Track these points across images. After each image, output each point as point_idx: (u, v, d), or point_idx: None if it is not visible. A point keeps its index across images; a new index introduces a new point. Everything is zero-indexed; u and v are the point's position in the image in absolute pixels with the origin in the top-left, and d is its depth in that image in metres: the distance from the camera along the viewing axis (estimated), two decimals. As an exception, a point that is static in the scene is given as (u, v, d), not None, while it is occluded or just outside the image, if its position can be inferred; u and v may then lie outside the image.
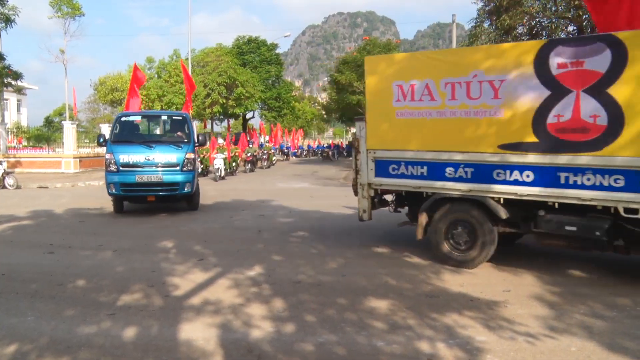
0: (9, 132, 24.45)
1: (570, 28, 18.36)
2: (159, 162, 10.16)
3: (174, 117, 12.06)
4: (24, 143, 26.68)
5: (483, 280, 5.68)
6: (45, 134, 28.41)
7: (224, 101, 32.91)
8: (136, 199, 10.87)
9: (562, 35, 18.46)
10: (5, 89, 23.39)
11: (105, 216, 10.20)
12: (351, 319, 4.42)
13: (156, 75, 27.49)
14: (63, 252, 6.90)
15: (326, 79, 34.11)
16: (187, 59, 30.58)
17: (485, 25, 19.30)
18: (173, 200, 11.00)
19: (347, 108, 29.73)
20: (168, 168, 10.16)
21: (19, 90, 36.59)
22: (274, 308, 4.70)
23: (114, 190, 10.03)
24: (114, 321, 4.33)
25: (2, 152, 21.95)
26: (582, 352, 3.81)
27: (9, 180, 16.03)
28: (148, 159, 10.12)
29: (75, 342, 3.89)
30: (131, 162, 10.04)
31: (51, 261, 6.42)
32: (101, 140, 10.65)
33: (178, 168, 10.22)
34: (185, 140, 10.62)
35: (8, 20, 19.94)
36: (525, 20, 17.44)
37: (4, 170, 16.32)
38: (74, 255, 6.73)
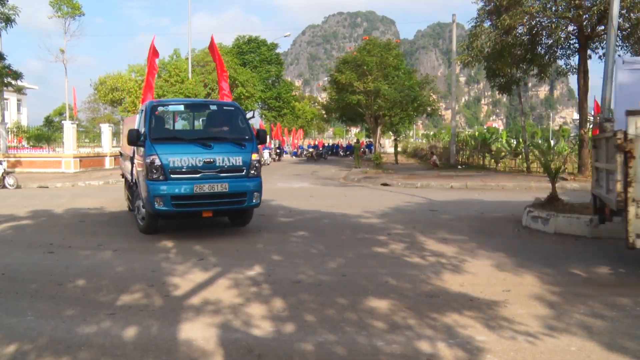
0: (9, 132, 24.46)
1: (571, 28, 18.37)
2: (221, 165, 7.75)
3: (224, 107, 9.10)
4: (24, 143, 26.70)
5: (483, 280, 5.68)
6: (46, 134, 28.41)
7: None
8: (185, 215, 8.40)
9: (562, 35, 18.47)
10: (5, 88, 23.39)
11: (105, 216, 10.20)
12: (351, 319, 4.42)
13: (156, 75, 27.45)
14: (63, 252, 6.90)
15: (326, 78, 34.04)
16: (187, 58, 30.58)
17: (486, 25, 19.29)
18: (234, 215, 8.77)
19: (347, 108, 29.71)
20: (233, 174, 7.85)
21: (19, 90, 36.62)
22: (274, 308, 4.70)
23: (162, 206, 7.41)
24: (113, 321, 4.33)
25: (2, 151, 21.95)
26: (582, 352, 3.81)
27: (9, 180, 16.03)
28: (208, 162, 7.65)
29: (75, 342, 3.89)
30: (185, 167, 7.55)
31: (51, 261, 6.42)
32: (140, 138, 7.75)
33: (244, 173, 7.96)
34: (247, 137, 8.22)
35: (8, 20, 19.94)
36: (525, 20, 17.43)
37: (4, 170, 16.32)
38: (74, 255, 6.73)
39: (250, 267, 6.14)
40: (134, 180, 8.77)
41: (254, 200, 8.03)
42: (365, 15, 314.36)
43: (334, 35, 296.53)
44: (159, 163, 7.46)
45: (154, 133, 7.79)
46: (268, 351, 3.78)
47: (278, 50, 43.07)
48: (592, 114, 20.42)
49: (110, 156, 25.09)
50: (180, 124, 10.62)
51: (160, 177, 7.46)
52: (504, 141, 34.82)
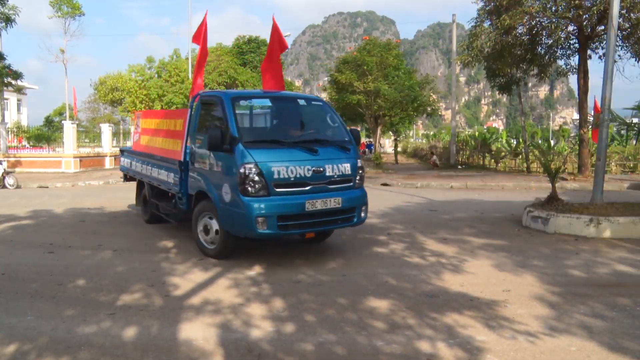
0: (9, 132, 24.46)
1: (571, 28, 18.36)
2: (331, 175, 6.29)
3: (313, 102, 7.48)
4: (24, 143, 26.70)
5: (483, 280, 5.68)
6: (46, 134, 28.41)
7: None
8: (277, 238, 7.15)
9: (562, 35, 18.47)
10: (5, 88, 23.40)
11: (105, 216, 10.19)
12: (351, 319, 4.42)
13: (156, 75, 27.45)
14: (63, 252, 6.90)
15: (326, 78, 34.02)
16: (187, 58, 30.59)
17: (485, 25, 19.27)
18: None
19: (347, 108, 29.67)
20: (342, 185, 6.44)
21: (19, 90, 36.63)
22: (274, 308, 4.70)
23: (265, 229, 5.80)
24: (113, 321, 4.33)
25: (2, 151, 21.95)
26: (582, 352, 3.81)
27: (9, 180, 16.03)
28: (317, 172, 6.16)
29: (75, 342, 3.89)
30: (293, 178, 6.00)
31: (51, 261, 6.42)
32: (225, 141, 6.03)
33: (352, 183, 6.58)
34: (347, 139, 6.82)
35: (8, 20, 19.94)
36: (525, 20, 17.43)
37: (4, 169, 16.33)
38: (74, 255, 6.73)
39: (250, 267, 6.14)
40: (181, 191, 7.09)
41: (362, 215, 6.68)
42: (365, 15, 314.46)
43: (334, 35, 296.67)
44: (259, 173, 5.80)
45: (246, 134, 6.22)
46: (268, 351, 3.78)
47: (278, 50, 43.03)
48: (592, 113, 20.41)
49: (110, 156, 25.09)
50: (257, 122, 8.17)
51: (262, 192, 5.81)
52: (504, 141, 34.85)
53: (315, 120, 7.34)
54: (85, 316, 4.44)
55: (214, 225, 6.44)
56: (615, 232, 7.85)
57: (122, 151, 10.87)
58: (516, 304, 4.86)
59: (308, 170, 6.09)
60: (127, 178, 10.42)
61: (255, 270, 5.99)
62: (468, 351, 3.79)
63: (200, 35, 9.75)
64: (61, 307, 4.66)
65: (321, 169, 6.19)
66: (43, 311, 4.57)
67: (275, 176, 5.89)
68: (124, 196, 13.37)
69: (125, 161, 10.31)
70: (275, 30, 9.08)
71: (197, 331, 4.13)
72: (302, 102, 7.49)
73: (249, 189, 5.80)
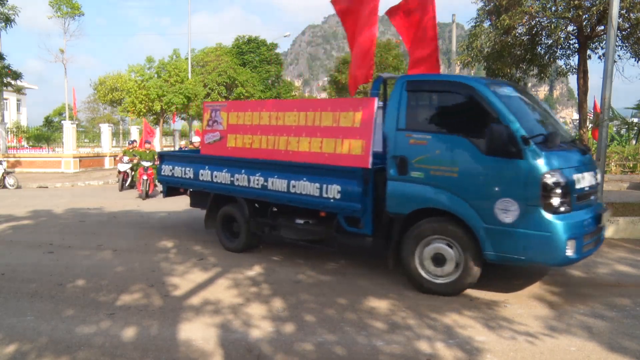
0: (9, 132, 24.44)
1: (570, 28, 18.35)
2: (596, 183, 5.38)
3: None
4: (24, 143, 26.69)
5: (483, 280, 5.67)
6: (45, 134, 28.39)
7: (224, 101, 32.90)
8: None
9: (562, 36, 18.48)
10: (5, 88, 23.39)
11: (105, 216, 10.19)
12: (351, 319, 4.42)
13: (156, 75, 27.40)
14: (63, 252, 6.90)
15: (326, 79, 34.07)
16: (186, 58, 30.58)
17: (485, 25, 19.27)
18: None
19: (347, 108, 29.70)
20: (595, 195, 5.46)
21: (19, 90, 36.59)
22: (274, 308, 4.70)
23: (572, 253, 4.59)
24: (113, 321, 4.32)
25: (2, 152, 21.94)
26: (582, 352, 3.81)
27: (9, 180, 16.02)
28: (595, 178, 5.33)
29: (74, 342, 3.89)
30: (587, 187, 5.05)
31: (51, 261, 6.42)
32: (510, 144, 4.63)
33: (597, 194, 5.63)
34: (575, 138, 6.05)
35: (8, 20, 19.91)
36: (525, 20, 17.38)
37: (4, 170, 16.32)
38: (74, 255, 6.72)
39: (250, 267, 6.13)
40: (361, 209, 5.44)
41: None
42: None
43: (334, 35, 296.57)
44: (565, 184, 4.62)
45: (545, 134, 4.80)
46: (268, 351, 3.78)
47: (278, 50, 43.02)
48: (592, 112, 20.42)
49: (109, 156, 25.06)
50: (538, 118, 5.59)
51: (567, 208, 4.66)
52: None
53: (545, 113, 5.79)
54: (84, 316, 4.44)
55: (452, 253, 5.01)
56: (615, 232, 7.85)
57: (163, 156, 8.22)
58: (516, 304, 4.86)
59: (592, 176, 5.16)
60: (172, 191, 8.16)
61: (255, 270, 5.99)
62: (467, 351, 3.79)
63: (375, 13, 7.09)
64: (61, 307, 4.66)
65: (597, 176, 5.32)
66: (43, 311, 4.57)
67: (577, 186, 4.81)
68: (124, 196, 13.38)
69: (175, 170, 7.68)
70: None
71: (197, 331, 4.13)
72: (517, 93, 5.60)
73: (557, 204, 4.57)
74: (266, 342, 3.93)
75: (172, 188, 8.10)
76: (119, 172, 15.12)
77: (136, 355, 3.68)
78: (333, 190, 5.65)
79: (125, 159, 15.02)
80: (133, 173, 14.91)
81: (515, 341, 3.99)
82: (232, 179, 6.78)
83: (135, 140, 17.13)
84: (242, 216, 6.79)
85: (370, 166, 5.41)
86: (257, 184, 6.48)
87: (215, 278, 5.66)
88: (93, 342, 3.89)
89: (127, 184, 14.93)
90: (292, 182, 6.06)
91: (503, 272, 5.98)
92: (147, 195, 13.01)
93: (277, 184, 6.25)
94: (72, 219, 9.77)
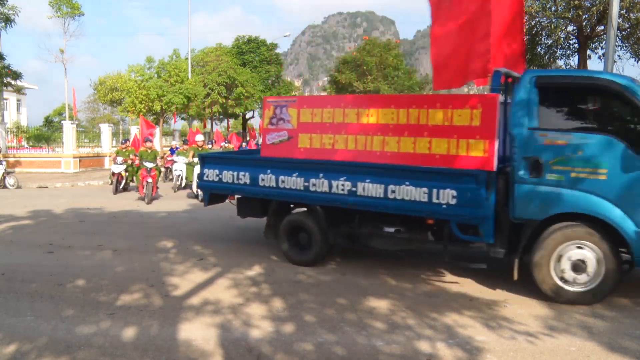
0: (9, 132, 24.44)
1: (570, 28, 18.37)
2: None
3: None
4: (24, 143, 26.68)
5: (483, 280, 5.68)
6: (45, 134, 28.37)
7: (224, 101, 32.90)
8: None
9: (562, 36, 18.48)
10: (5, 88, 23.39)
11: (105, 216, 10.19)
12: (351, 319, 4.42)
13: (156, 75, 27.41)
14: (63, 252, 6.90)
15: (326, 78, 34.09)
16: (186, 58, 30.58)
17: (485, 25, 19.27)
18: None
19: (347, 108, 29.71)
20: None
21: (19, 90, 36.58)
22: (274, 308, 4.70)
23: None
24: (113, 321, 4.33)
25: (2, 152, 21.94)
26: (582, 351, 3.81)
27: (9, 180, 16.02)
28: None
29: (74, 342, 3.89)
30: None
31: (51, 261, 6.42)
32: None
33: None
34: None
35: (8, 20, 19.91)
36: (524, 20, 17.43)
37: (5, 170, 16.31)
38: (74, 255, 6.72)
39: (250, 267, 6.13)
40: (482, 215, 5.02)
41: None
42: (365, 16, 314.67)
43: (333, 36, 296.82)
44: None
45: None
46: (267, 351, 3.78)
47: (278, 50, 43.03)
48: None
49: (110, 156, 25.06)
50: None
51: None
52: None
53: None
54: (84, 316, 4.44)
55: (593, 260, 4.78)
56: None
57: (205, 158, 7.21)
58: (516, 304, 4.86)
59: None
60: (215, 199, 7.31)
61: (255, 271, 5.99)
62: (467, 351, 3.79)
63: None
64: (61, 307, 4.66)
65: None
66: (43, 311, 4.57)
67: None
68: (124, 196, 13.37)
69: (224, 174, 6.75)
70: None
71: (197, 331, 4.13)
72: None
73: None
74: (266, 342, 3.94)
75: (215, 195, 7.23)
76: (113, 173, 14.18)
77: (136, 355, 3.68)
78: (446, 196, 5.15)
79: (120, 159, 14.05)
80: (127, 174, 14.15)
81: (515, 341, 3.99)
82: (306, 184, 6.03)
83: (128, 140, 16.04)
84: (317, 225, 6.15)
85: (495, 168, 5.03)
86: (342, 190, 5.78)
87: (215, 278, 5.66)
88: (93, 342, 3.89)
89: (121, 187, 14.02)
90: (391, 187, 5.45)
91: (503, 272, 5.98)
92: (152, 199, 12.06)
93: (370, 189, 5.59)
94: (72, 219, 9.77)
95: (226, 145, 20.38)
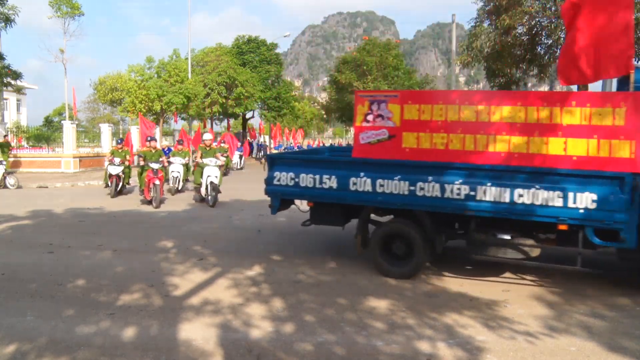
0: (9, 132, 24.45)
1: (570, 28, 18.36)
2: None
3: None
4: (24, 143, 26.68)
5: (483, 280, 5.68)
6: (45, 134, 28.38)
7: (224, 101, 32.91)
8: None
9: (562, 36, 18.48)
10: (5, 88, 23.40)
11: (105, 216, 10.18)
12: (351, 319, 4.42)
13: (156, 75, 27.43)
14: (63, 252, 6.90)
15: (326, 78, 34.10)
16: (186, 58, 30.58)
17: (485, 25, 19.28)
18: None
19: (346, 108, 29.72)
20: None
21: (19, 90, 36.59)
22: (274, 308, 4.70)
23: None
24: (113, 321, 4.33)
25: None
26: (582, 351, 3.81)
27: (10, 180, 16.02)
28: None
29: (74, 342, 3.89)
30: None
31: (51, 261, 6.42)
32: None
33: None
34: None
35: (8, 20, 19.91)
36: (525, 20, 17.43)
37: (5, 170, 16.31)
38: (74, 255, 6.72)
39: (249, 267, 6.13)
40: (625, 221, 4.79)
41: None
42: (365, 15, 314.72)
43: (333, 35, 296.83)
44: None
45: None
46: (267, 351, 3.78)
47: (278, 50, 43.04)
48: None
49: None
50: None
51: None
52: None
53: None
54: (84, 316, 4.44)
55: None
56: None
57: (275, 159, 6.47)
58: (516, 304, 4.86)
59: None
60: (285, 205, 6.64)
61: (255, 270, 5.99)
62: (468, 351, 3.79)
63: None
64: (61, 307, 4.66)
65: None
66: (43, 311, 4.57)
67: None
68: (123, 197, 13.37)
69: (302, 178, 6.09)
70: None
71: (197, 331, 4.13)
72: None
73: None
74: (266, 342, 3.94)
75: (286, 201, 6.56)
76: (110, 175, 13.11)
77: (136, 355, 3.68)
78: (584, 199, 4.86)
79: (117, 160, 13.09)
80: (123, 176, 13.30)
81: (515, 341, 3.99)
82: (411, 188, 5.52)
83: (122, 139, 15.18)
84: (420, 234, 5.67)
85: None
86: (457, 195, 5.33)
87: (215, 278, 5.66)
88: (93, 342, 3.89)
89: (117, 189, 13.08)
90: (519, 190, 5.08)
91: (503, 272, 5.98)
92: (160, 203, 11.25)
93: (492, 193, 5.17)
94: (72, 219, 9.77)
95: (223, 145, 20.31)
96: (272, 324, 4.30)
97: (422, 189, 5.47)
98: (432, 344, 3.91)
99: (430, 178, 5.45)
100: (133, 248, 7.20)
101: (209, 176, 11.59)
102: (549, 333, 4.15)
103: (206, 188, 11.62)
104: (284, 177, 6.20)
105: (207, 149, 12.43)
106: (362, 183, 5.74)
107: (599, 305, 4.81)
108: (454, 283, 5.53)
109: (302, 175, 6.07)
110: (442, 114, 5.56)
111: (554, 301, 4.95)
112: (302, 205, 6.72)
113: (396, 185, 5.59)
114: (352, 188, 5.80)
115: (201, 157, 12.11)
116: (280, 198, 6.37)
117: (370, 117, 5.88)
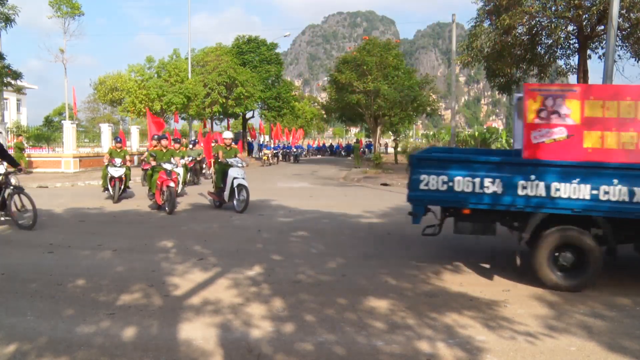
0: (9, 132, 24.44)
1: (570, 28, 18.37)
2: None
3: None
4: (24, 143, 26.67)
5: (483, 280, 5.68)
6: (45, 134, 28.36)
7: (224, 101, 32.91)
8: None
9: (562, 35, 18.49)
10: (5, 88, 23.39)
11: (105, 216, 10.18)
12: (351, 319, 4.42)
13: (156, 75, 27.44)
14: (62, 252, 6.90)
15: (326, 78, 34.06)
16: (186, 58, 30.59)
17: (485, 24, 19.29)
18: None
19: (346, 108, 29.69)
20: None
21: (19, 90, 36.62)
22: (274, 308, 4.70)
23: None
24: (113, 321, 4.32)
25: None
26: (582, 351, 3.81)
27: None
28: None
29: (74, 342, 3.89)
30: None
31: (51, 261, 6.42)
32: None
33: None
34: None
35: (8, 20, 19.90)
36: (525, 20, 17.44)
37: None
38: (74, 255, 6.72)
39: (250, 267, 6.13)
40: None
41: None
42: (365, 15, 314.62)
43: (333, 35, 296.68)
44: None
45: None
46: (268, 351, 3.78)
47: (278, 50, 43.07)
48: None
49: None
50: None
51: None
52: (504, 141, 34.87)
53: None
54: (84, 316, 4.44)
55: None
56: None
57: (421, 160, 5.74)
58: (516, 304, 4.86)
59: None
60: (425, 212, 5.90)
61: (255, 270, 5.99)
62: (468, 351, 3.79)
63: None
64: (61, 307, 4.66)
65: None
66: (43, 311, 4.56)
67: None
68: (123, 197, 13.35)
69: (457, 181, 5.49)
70: None
71: (197, 331, 4.13)
72: None
73: None
74: (266, 342, 3.94)
75: (428, 209, 5.92)
76: (112, 178, 11.91)
77: (136, 355, 3.68)
78: None
79: (118, 161, 11.93)
80: (125, 178, 12.22)
81: (515, 341, 3.99)
82: (593, 192, 5.09)
83: (120, 139, 14.34)
84: (596, 242, 5.25)
85: None
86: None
87: (215, 278, 5.66)
88: (93, 342, 3.89)
89: (119, 192, 11.99)
90: None
91: (502, 272, 5.98)
92: (174, 207, 10.28)
93: None
94: (72, 219, 9.77)
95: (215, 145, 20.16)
96: (272, 324, 4.30)
97: (606, 192, 5.05)
98: (432, 344, 3.91)
99: (614, 181, 5.02)
100: (133, 248, 7.20)
101: (235, 178, 10.42)
102: (549, 333, 4.15)
103: (231, 191, 10.50)
104: (433, 181, 5.54)
105: (228, 148, 11.22)
106: (532, 187, 5.25)
107: (599, 305, 4.81)
108: (453, 283, 5.53)
109: (456, 178, 5.46)
110: (632, 112, 5.10)
111: (554, 301, 4.95)
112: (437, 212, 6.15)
113: (574, 190, 5.13)
114: (521, 193, 5.29)
115: (223, 157, 10.91)
116: (426, 205, 5.77)
117: (543, 114, 5.34)
